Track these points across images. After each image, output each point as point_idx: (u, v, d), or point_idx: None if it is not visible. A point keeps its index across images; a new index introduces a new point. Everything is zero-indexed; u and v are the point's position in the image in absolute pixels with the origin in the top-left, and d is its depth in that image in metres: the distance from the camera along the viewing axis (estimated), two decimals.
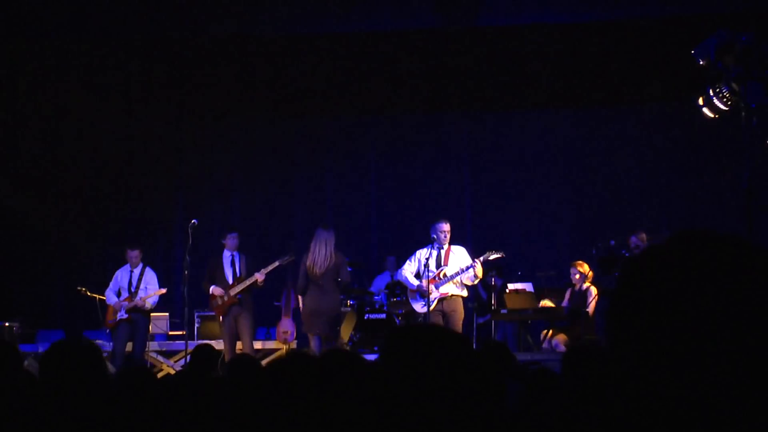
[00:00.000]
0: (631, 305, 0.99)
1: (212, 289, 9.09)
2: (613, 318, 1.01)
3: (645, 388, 0.96)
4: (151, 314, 9.74)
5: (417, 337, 1.69)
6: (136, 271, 9.60)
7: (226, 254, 9.24)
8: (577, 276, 9.22)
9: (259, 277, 9.02)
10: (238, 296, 9.05)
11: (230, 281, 9.10)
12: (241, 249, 9.41)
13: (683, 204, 11.56)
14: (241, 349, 9.05)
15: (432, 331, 1.71)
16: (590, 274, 9.21)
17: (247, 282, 9.04)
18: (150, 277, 9.63)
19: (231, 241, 9.23)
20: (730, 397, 0.92)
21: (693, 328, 0.94)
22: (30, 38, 10.76)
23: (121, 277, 9.63)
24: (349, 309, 10.30)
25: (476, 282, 8.54)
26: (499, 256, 8.53)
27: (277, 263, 9.24)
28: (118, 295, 9.55)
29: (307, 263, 8.57)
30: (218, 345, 9.38)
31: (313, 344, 8.59)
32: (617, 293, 1.02)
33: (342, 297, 10.61)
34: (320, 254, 8.52)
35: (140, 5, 10.28)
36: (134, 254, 9.61)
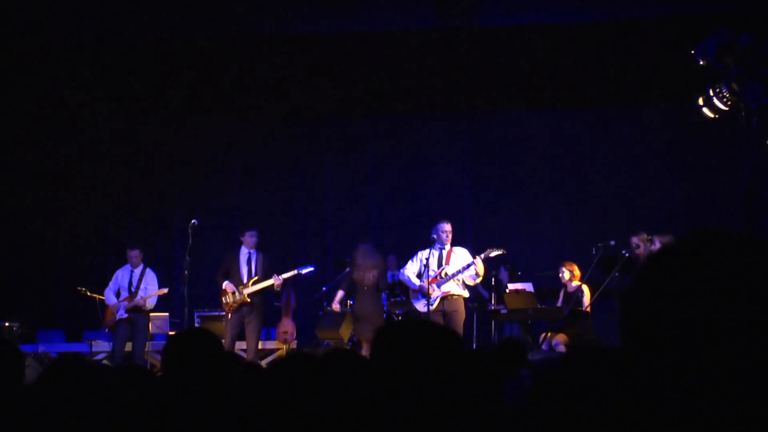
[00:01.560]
0: (647, 304, 0.99)
1: (225, 284, 8.96)
2: (628, 316, 1.00)
3: (661, 387, 0.95)
4: (151, 314, 9.74)
5: (405, 332, 1.68)
6: (137, 272, 9.59)
7: (243, 251, 9.10)
8: (567, 276, 9.25)
9: (276, 281, 8.93)
10: (250, 296, 8.92)
11: (244, 279, 8.98)
12: (261, 249, 9.29)
13: (683, 204, 11.56)
14: (244, 350, 9.01)
15: (420, 327, 1.71)
16: (578, 273, 9.25)
17: (263, 284, 8.92)
18: (150, 277, 9.62)
19: (249, 238, 9.09)
20: (750, 397, 0.92)
21: (710, 327, 0.94)
22: (30, 38, 10.75)
23: (121, 276, 9.62)
24: (348, 309, 10.29)
25: (478, 281, 8.53)
26: (499, 253, 8.54)
27: (296, 271, 9.17)
28: (118, 295, 9.53)
29: (354, 275, 8.93)
30: None
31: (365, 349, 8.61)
32: (634, 292, 1.02)
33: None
34: (363, 266, 8.81)
35: (140, 5, 10.27)
36: (134, 254, 9.59)
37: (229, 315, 8.95)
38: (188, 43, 11.19)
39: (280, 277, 8.97)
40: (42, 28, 10.42)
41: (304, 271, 9.26)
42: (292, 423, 2.34)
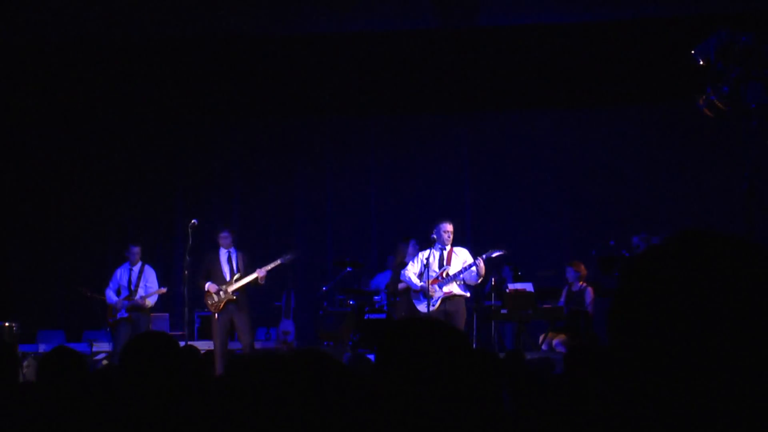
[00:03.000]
0: (632, 305, 0.99)
1: (207, 285, 8.98)
2: (614, 318, 1.01)
3: (647, 387, 0.96)
4: (151, 314, 9.74)
5: (415, 331, 1.68)
6: (136, 269, 9.59)
7: (222, 251, 9.17)
8: (573, 275, 9.25)
9: (259, 274, 8.94)
10: (234, 294, 8.96)
11: (227, 278, 9.01)
12: (240, 248, 9.33)
13: (683, 204, 11.55)
14: (239, 349, 9.00)
15: (430, 325, 1.70)
16: (585, 273, 9.25)
17: (247, 279, 8.95)
18: (149, 275, 9.61)
19: (224, 240, 9.17)
20: (733, 396, 0.92)
21: (694, 327, 0.94)
22: (30, 38, 10.75)
23: (120, 275, 9.62)
24: (348, 309, 10.31)
25: (479, 281, 8.52)
26: (501, 253, 8.54)
27: (279, 261, 9.17)
28: (118, 293, 9.52)
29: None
30: (210, 345, 9.31)
31: None
32: (618, 293, 1.02)
33: (341, 297, 10.63)
34: (398, 265, 9.01)
35: (140, 5, 10.27)
36: (136, 250, 9.63)
37: (216, 315, 8.94)
38: (188, 43, 11.19)
39: (263, 269, 8.97)
40: (43, 27, 10.42)
41: (285, 261, 9.25)
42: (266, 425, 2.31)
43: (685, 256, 0.98)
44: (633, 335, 0.98)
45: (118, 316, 9.39)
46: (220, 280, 9.00)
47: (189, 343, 9.18)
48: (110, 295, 9.56)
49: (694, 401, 0.94)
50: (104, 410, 2.64)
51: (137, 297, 9.41)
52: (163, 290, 9.65)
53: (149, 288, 9.52)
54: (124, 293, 9.50)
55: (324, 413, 1.50)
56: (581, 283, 9.23)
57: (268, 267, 9.05)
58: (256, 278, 8.96)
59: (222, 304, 8.91)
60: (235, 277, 8.99)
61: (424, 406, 1.57)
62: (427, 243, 8.59)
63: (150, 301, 9.51)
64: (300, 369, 1.85)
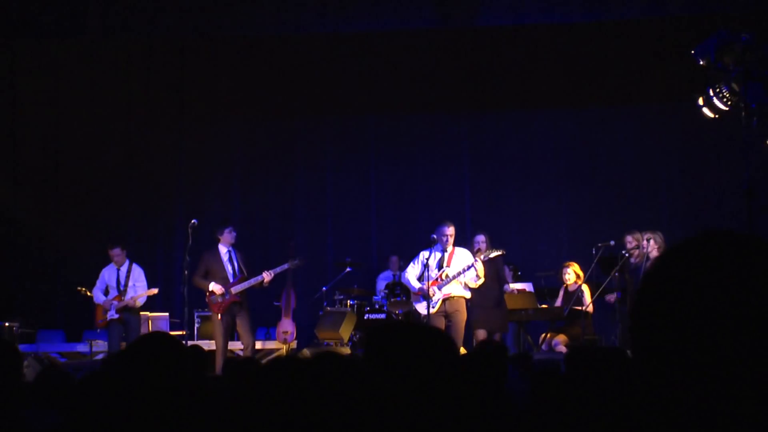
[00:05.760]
0: (655, 305, 0.99)
1: (212, 286, 8.75)
2: (637, 318, 1.01)
3: (670, 389, 0.95)
4: (151, 314, 9.68)
5: (394, 335, 1.68)
6: (123, 269, 9.33)
7: (223, 250, 8.91)
8: (572, 278, 9.27)
9: (266, 276, 8.78)
10: (238, 295, 8.78)
11: (231, 279, 8.82)
12: (240, 248, 9.24)
13: (683, 204, 11.56)
14: (241, 349, 8.96)
15: (410, 330, 1.70)
16: (581, 273, 9.26)
17: (253, 281, 8.80)
18: (138, 274, 9.39)
19: (228, 235, 8.89)
20: (757, 400, 0.92)
21: (718, 328, 0.94)
22: (30, 38, 10.75)
23: (108, 275, 9.38)
24: (348, 309, 10.32)
25: (480, 282, 8.46)
26: (499, 253, 8.51)
27: (286, 266, 9.04)
28: (106, 293, 9.36)
29: None
30: (210, 345, 9.24)
31: (479, 336, 8.55)
32: (641, 293, 1.02)
33: (341, 297, 10.62)
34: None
35: (141, 5, 10.27)
36: (116, 252, 9.33)
37: (219, 316, 8.75)
38: (188, 43, 11.20)
39: (270, 272, 8.85)
40: (43, 27, 10.42)
41: (293, 266, 9.15)
42: (281, 426, 2.32)
43: (707, 257, 0.98)
44: (655, 335, 0.97)
45: (108, 317, 9.22)
46: (223, 281, 8.79)
47: (192, 343, 9.17)
48: (98, 294, 9.36)
49: (717, 402, 0.93)
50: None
51: (127, 297, 9.24)
52: (154, 291, 9.44)
53: (138, 287, 9.34)
54: (113, 293, 9.31)
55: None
56: (578, 283, 9.25)
57: (276, 270, 8.90)
58: (262, 280, 8.85)
59: (226, 306, 8.78)
60: (242, 279, 8.84)
61: (407, 410, 1.57)
62: (427, 243, 8.57)
63: (140, 302, 9.33)
64: (323, 371, 1.84)
